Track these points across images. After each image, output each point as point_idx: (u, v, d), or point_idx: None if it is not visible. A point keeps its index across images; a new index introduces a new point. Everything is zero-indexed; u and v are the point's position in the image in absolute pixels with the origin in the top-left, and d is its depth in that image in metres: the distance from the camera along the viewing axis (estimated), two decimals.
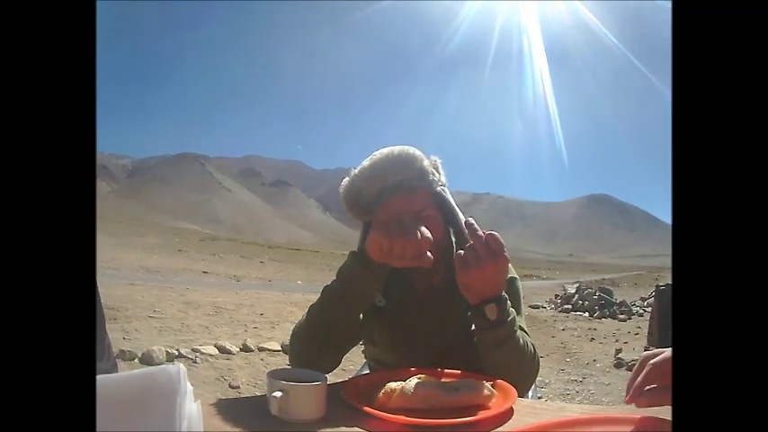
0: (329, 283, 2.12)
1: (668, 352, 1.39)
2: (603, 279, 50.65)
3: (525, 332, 2.14)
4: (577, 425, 1.43)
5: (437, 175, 2.23)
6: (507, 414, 1.57)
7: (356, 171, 2.20)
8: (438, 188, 2.21)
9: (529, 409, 1.64)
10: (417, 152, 2.19)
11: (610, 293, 22.12)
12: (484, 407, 1.61)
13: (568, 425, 1.44)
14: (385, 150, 2.18)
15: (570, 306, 21.34)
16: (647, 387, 1.40)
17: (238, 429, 1.41)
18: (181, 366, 1.16)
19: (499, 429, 1.48)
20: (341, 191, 2.26)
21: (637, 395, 1.39)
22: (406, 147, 2.19)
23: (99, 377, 1.04)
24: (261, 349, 10.08)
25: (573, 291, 24.19)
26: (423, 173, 2.16)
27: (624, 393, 1.44)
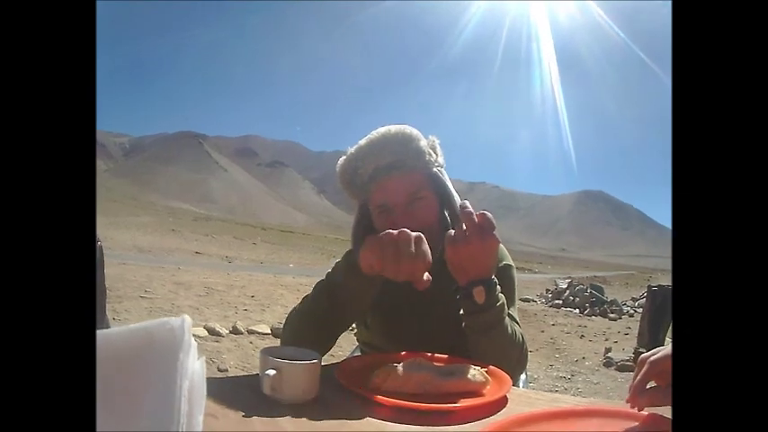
0: (323, 277, 2.12)
1: (666, 349, 1.37)
2: (595, 276, 50.92)
3: (516, 321, 2.13)
4: (573, 416, 1.43)
5: (434, 155, 2.20)
6: (501, 402, 1.55)
7: (353, 150, 2.19)
8: (435, 169, 2.19)
9: (523, 398, 1.63)
10: (415, 131, 2.16)
11: (601, 291, 22.16)
12: (478, 393, 1.61)
13: (564, 415, 1.43)
14: (382, 129, 2.16)
15: (561, 301, 21.40)
16: (648, 386, 1.39)
17: (230, 408, 1.39)
18: (186, 318, 1.08)
19: (493, 417, 1.45)
20: (337, 169, 2.24)
21: (636, 394, 1.37)
22: (404, 126, 2.17)
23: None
24: (250, 332, 10.13)
25: (564, 286, 24.22)
26: (419, 153, 2.14)
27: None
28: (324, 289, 2.08)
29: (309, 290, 2.11)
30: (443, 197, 2.22)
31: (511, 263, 2.30)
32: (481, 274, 1.94)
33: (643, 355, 1.44)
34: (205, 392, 1.13)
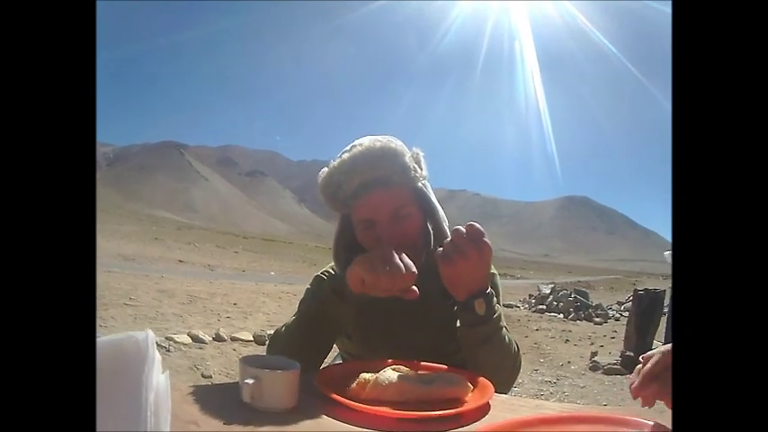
0: (304, 287, 2.09)
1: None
2: (579, 281, 51.05)
3: (506, 329, 2.11)
4: (558, 422, 1.41)
5: (419, 170, 2.16)
6: (484, 409, 1.54)
7: (335, 163, 2.12)
8: (419, 183, 2.16)
9: (506, 405, 1.61)
10: (400, 145, 2.12)
11: (585, 296, 22.22)
12: (460, 401, 1.59)
13: (549, 422, 1.42)
14: (366, 142, 2.10)
15: (544, 307, 21.44)
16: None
17: (211, 416, 1.38)
18: (149, 333, 1.11)
19: (476, 424, 1.45)
20: (319, 182, 2.18)
21: (646, 384, 1.36)
22: (388, 139, 2.12)
23: None
24: (233, 339, 10.19)
25: (547, 291, 24.24)
26: (405, 168, 2.09)
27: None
28: (307, 309, 2.07)
29: (291, 297, 2.12)
30: (427, 211, 2.21)
31: (494, 270, 2.27)
32: (479, 285, 1.93)
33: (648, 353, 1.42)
34: (170, 405, 1.15)
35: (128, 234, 48.31)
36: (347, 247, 2.19)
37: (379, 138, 2.12)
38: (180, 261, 29.99)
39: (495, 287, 2.18)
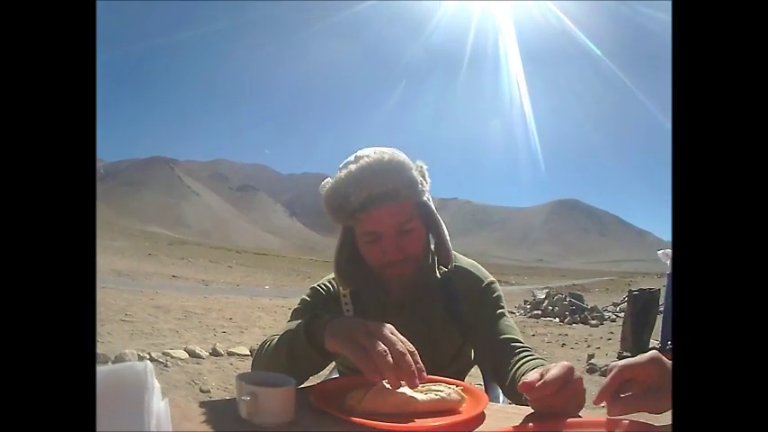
0: (298, 300, 2.09)
1: (636, 358, 1.38)
2: (574, 284, 50.92)
3: (514, 328, 2.26)
4: (555, 429, 1.42)
5: (424, 183, 2.16)
6: (479, 418, 1.55)
7: (342, 175, 2.08)
8: (424, 197, 2.15)
9: (501, 414, 1.62)
10: (406, 159, 2.12)
11: (580, 299, 22.14)
12: (455, 411, 1.61)
13: (545, 429, 1.43)
14: (372, 155, 2.08)
15: (540, 312, 21.36)
16: (623, 395, 1.38)
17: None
18: (148, 363, 1.12)
19: None
20: (323, 193, 2.15)
21: (610, 402, 1.36)
22: (395, 152, 2.12)
23: None
24: (230, 354, 10.13)
25: (542, 296, 24.17)
26: (412, 182, 2.08)
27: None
28: (282, 347, 1.94)
29: (287, 311, 2.10)
30: (430, 224, 2.22)
31: (492, 278, 2.33)
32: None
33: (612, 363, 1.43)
34: (171, 429, 1.17)
35: (121, 249, 48.23)
36: (349, 260, 2.22)
37: (385, 150, 2.12)
38: (174, 276, 29.95)
39: (497, 294, 2.28)
